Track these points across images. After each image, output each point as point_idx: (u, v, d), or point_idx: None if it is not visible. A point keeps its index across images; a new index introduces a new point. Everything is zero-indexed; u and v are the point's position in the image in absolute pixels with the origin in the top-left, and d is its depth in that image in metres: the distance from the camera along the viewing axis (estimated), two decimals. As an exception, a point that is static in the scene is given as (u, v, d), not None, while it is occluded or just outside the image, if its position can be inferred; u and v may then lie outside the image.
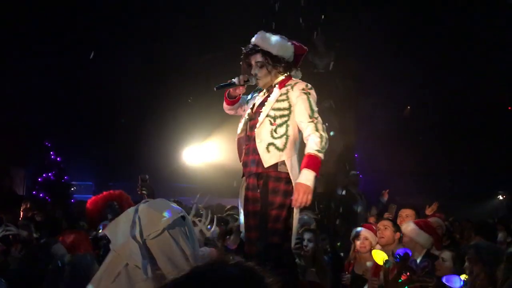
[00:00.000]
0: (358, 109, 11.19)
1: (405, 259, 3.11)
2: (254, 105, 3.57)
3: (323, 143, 3.26)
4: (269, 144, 3.34)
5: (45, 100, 10.37)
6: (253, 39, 3.50)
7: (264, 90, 3.58)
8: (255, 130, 3.41)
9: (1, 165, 9.86)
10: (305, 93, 3.40)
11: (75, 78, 10.58)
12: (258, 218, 3.36)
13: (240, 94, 3.59)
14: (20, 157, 10.61)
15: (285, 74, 3.52)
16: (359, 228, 4.47)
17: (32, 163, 11.01)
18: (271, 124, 3.37)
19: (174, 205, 1.84)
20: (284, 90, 3.44)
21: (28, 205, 6.38)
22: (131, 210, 1.76)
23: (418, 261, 3.64)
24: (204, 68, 10.39)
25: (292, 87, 3.43)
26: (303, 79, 3.59)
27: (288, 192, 3.27)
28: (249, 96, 3.71)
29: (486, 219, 7.82)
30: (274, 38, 3.46)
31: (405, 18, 10.34)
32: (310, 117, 3.33)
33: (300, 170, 3.27)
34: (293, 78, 3.54)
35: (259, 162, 3.35)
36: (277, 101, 3.42)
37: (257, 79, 3.48)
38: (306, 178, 3.18)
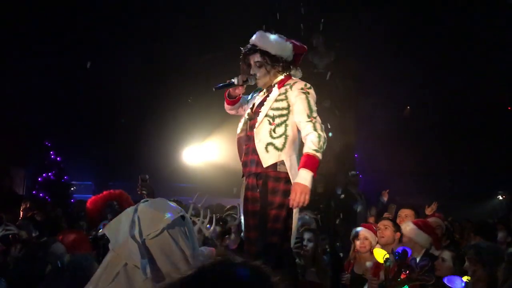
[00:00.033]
0: (358, 109, 11.19)
1: (404, 257, 3.12)
2: (254, 105, 3.58)
3: (321, 143, 3.25)
4: (268, 144, 3.33)
5: (45, 100, 10.37)
6: (251, 39, 3.50)
7: (264, 90, 3.58)
8: (254, 130, 3.40)
9: (1, 165, 9.87)
10: (303, 92, 3.39)
11: (75, 78, 10.58)
12: (258, 218, 3.36)
13: (240, 94, 3.59)
14: (20, 157, 10.61)
15: (285, 74, 3.51)
16: (359, 228, 4.47)
17: (32, 163, 11.01)
18: (270, 124, 3.36)
19: (174, 204, 1.83)
20: (283, 89, 3.44)
21: (28, 205, 6.38)
22: (130, 209, 1.75)
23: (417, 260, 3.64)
24: (204, 68, 10.39)
25: (291, 87, 3.43)
26: (303, 79, 3.58)
27: (288, 192, 3.26)
28: (250, 96, 3.71)
29: (486, 219, 7.82)
30: (273, 38, 3.45)
31: (405, 18, 10.33)
32: (309, 116, 3.32)
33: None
34: (293, 78, 3.53)
35: (258, 162, 3.35)
36: (276, 100, 3.41)
37: (256, 79, 3.48)
38: (303, 178, 3.17)
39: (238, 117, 3.72)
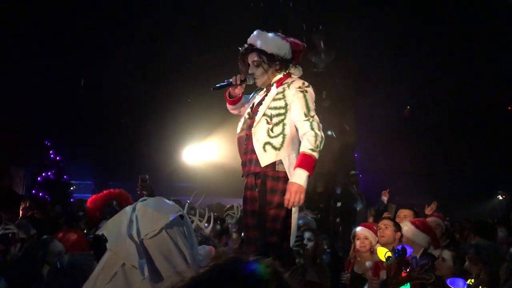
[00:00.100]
0: (358, 109, 11.20)
1: (403, 255, 3.12)
2: (253, 104, 3.57)
3: (318, 142, 3.22)
4: (266, 143, 3.32)
5: (45, 100, 10.38)
6: (249, 39, 3.50)
7: (264, 89, 3.57)
8: (252, 129, 3.40)
9: (1, 164, 9.87)
10: (301, 91, 3.37)
11: (75, 78, 10.59)
12: (257, 218, 3.35)
13: (240, 94, 3.58)
14: (20, 156, 10.62)
15: (284, 72, 3.50)
16: (359, 228, 4.45)
17: (32, 162, 11.02)
18: (268, 123, 3.35)
19: (172, 204, 1.82)
20: (280, 88, 3.42)
21: (28, 204, 6.38)
22: (128, 208, 1.74)
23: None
24: (204, 68, 10.39)
25: (288, 85, 3.40)
26: (303, 78, 3.56)
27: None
28: (251, 95, 3.71)
29: (486, 219, 7.81)
30: (269, 37, 3.44)
31: (405, 18, 10.34)
32: (306, 115, 3.29)
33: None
34: (292, 76, 3.52)
35: (257, 161, 3.33)
36: (274, 99, 3.39)
37: (254, 78, 3.47)
38: (298, 177, 3.15)
39: (238, 116, 3.72)
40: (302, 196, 3.15)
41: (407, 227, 4.29)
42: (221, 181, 10.04)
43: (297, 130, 3.36)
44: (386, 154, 11.65)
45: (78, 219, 6.04)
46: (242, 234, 4.83)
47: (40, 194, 10.15)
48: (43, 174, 10.49)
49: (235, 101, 3.62)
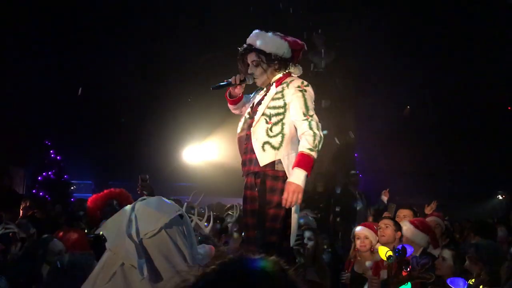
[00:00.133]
0: (358, 109, 11.20)
1: (403, 254, 3.13)
2: (253, 103, 3.57)
3: (316, 142, 3.21)
4: (265, 142, 3.31)
5: (45, 100, 10.38)
6: (248, 39, 3.50)
7: (264, 89, 3.57)
8: (251, 129, 3.40)
9: (1, 164, 9.87)
10: (300, 90, 3.36)
11: (75, 78, 10.59)
12: (256, 217, 3.35)
13: (240, 94, 3.59)
14: (20, 156, 10.62)
15: (284, 72, 3.50)
16: (359, 227, 4.46)
17: (32, 162, 11.02)
18: (267, 122, 3.34)
19: (172, 203, 1.81)
20: (280, 88, 3.41)
21: (28, 204, 6.38)
22: (127, 208, 1.73)
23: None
24: (204, 68, 10.39)
25: (287, 85, 3.40)
26: (303, 78, 3.56)
27: None
28: (252, 95, 3.71)
29: (486, 219, 7.82)
30: (268, 36, 3.44)
31: (405, 18, 10.34)
32: (305, 114, 3.28)
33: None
34: (292, 75, 3.52)
35: (256, 161, 3.34)
36: (273, 99, 3.39)
37: (254, 78, 3.48)
38: (296, 177, 3.15)
39: (238, 116, 3.72)
40: (300, 196, 3.15)
41: (406, 227, 4.30)
42: (221, 180, 10.04)
43: (296, 129, 3.36)
44: (386, 154, 11.65)
45: (78, 218, 6.04)
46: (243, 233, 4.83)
47: (41, 193, 10.14)
48: (44, 173, 10.48)
49: (235, 101, 3.63)
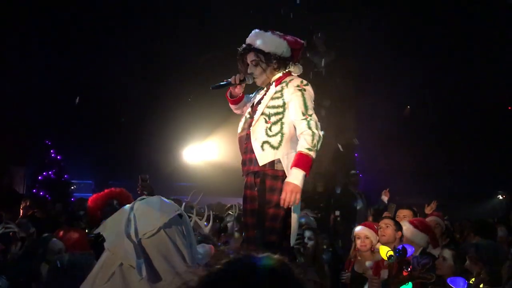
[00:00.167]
0: (358, 109, 11.20)
1: (403, 254, 3.13)
2: (254, 103, 3.57)
3: (315, 141, 3.19)
4: (264, 142, 3.30)
5: (45, 100, 10.38)
6: (247, 39, 3.50)
7: (265, 88, 3.57)
8: (251, 128, 3.40)
9: (1, 164, 9.88)
10: (299, 89, 3.34)
11: (75, 78, 10.59)
12: (256, 217, 3.35)
13: (240, 93, 3.59)
14: (20, 156, 10.62)
15: (283, 71, 3.50)
16: (360, 227, 4.45)
17: (32, 161, 11.02)
18: (266, 122, 3.33)
19: (171, 202, 1.81)
20: (279, 87, 3.40)
21: (28, 203, 6.38)
22: (126, 208, 1.72)
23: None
24: (204, 68, 10.40)
25: (287, 84, 3.38)
26: (304, 77, 3.56)
27: None
28: (253, 94, 3.71)
29: (486, 219, 7.81)
30: (266, 35, 3.43)
31: (405, 18, 10.35)
32: (303, 114, 3.27)
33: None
34: (292, 74, 3.51)
35: (256, 160, 3.33)
36: (272, 98, 3.38)
37: (253, 77, 3.47)
38: (294, 177, 3.13)
39: (238, 116, 3.72)
40: (298, 196, 3.14)
41: (405, 227, 4.29)
42: (221, 180, 10.04)
43: (296, 129, 3.36)
44: (386, 154, 11.64)
45: (78, 218, 6.04)
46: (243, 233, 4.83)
47: (41, 193, 10.14)
48: (44, 173, 10.48)
49: (236, 100, 3.63)
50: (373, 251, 4.19)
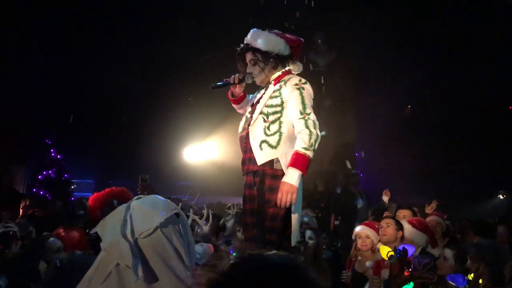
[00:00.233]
0: (358, 109, 11.21)
1: (404, 255, 3.13)
2: (253, 102, 3.57)
3: (312, 141, 3.18)
4: (262, 141, 3.30)
5: (45, 100, 10.38)
6: (245, 38, 3.50)
7: (265, 87, 3.57)
8: (249, 127, 3.39)
9: (1, 163, 9.87)
10: (297, 88, 3.33)
11: (75, 78, 10.59)
12: (256, 216, 3.34)
13: (241, 93, 3.58)
14: (21, 155, 10.62)
15: (283, 69, 3.48)
16: (360, 226, 4.46)
17: (32, 161, 11.01)
18: (264, 121, 3.33)
19: (168, 202, 1.79)
20: (277, 86, 3.39)
21: (28, 202, 6.37)
22: (122, 207, 1.71)
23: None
24: (204, 68, 10.40)
25: (285, 83, 3.38)
26: (304, 77, 3.55)
27: None
28: (255, 94, 3.71)
29: (486, 219, 7.80)
30: (263, 34, 3.43)
31: (405, 18, 10.35)
32: (301, 113, 3.25)
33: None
34: (292, 73, 3.50)
35: (255, 160, 3.33)
36: (270, 97, 3.37)
37: (252, 77, 3.47)
38: (290, 177, 3.13)
39: (238, 115, 3.72)
40: (294, 195, 3.13)
41: (404, 227, 4.29)
42: (221, 180, 10.05)
43: (294, 128, 3.34)
44: (386, 154, 11.64)
45: (78, 217, 6.03)
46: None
47: (41, 192, 10.13)
48: (44, 172, 10.46)
49: (237, 100, 3.62)
50: (374, 250, 4.19)
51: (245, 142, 3.48)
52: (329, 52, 10.37)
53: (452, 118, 12.04)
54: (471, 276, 3.39)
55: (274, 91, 3.39)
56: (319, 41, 10.43)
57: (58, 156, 10.72)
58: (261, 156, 3.29)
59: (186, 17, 10.52)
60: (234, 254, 1.25)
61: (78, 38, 10.17)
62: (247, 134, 3.45)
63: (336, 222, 7.63)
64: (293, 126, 3.31)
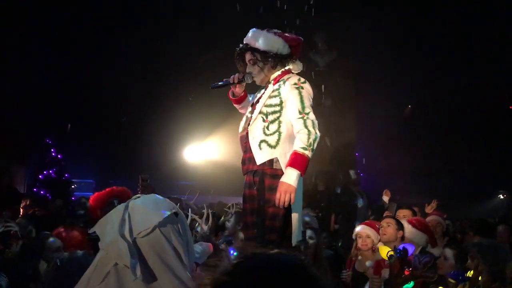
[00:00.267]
0: (358, 109, 11.21)
1: (404, 254, 3.13)
2: (253, 102, 3.57)
3: (311, 140, 3.17)
4: (261, 141, 3.30)
5: (45, 100, 10.38)
6: (245, 38, 3.50)
7: (264, 87, 3.57)
8: (249, 127, 3.39)
9: (1, 163, 9.87)
10: (296, 87, 3.32)
11: (75, 78, 10.59)
12: (256, 216, 3.34)
13: (241, 93, 3.58)
14: (21, 155, 10.62)
15: (282, 69, 3.48)
16: (361, 226, 4.45)
17: (32, 160, 11.01)
18: (264, 121, 3.33)
19: (167, 201, 1.78)
20: (276, 85, 3.39)
21: (28, 202, 6.37)
22: (120, 206, 1.70)
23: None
24: (204, 68, 10.40)
25: (284, 82, 3.37)
26: (304, 77, 3.54)
27: None
28: (254, 94, 3.71)
29: (487, 218, 7.81)
30: (262, 34, 3.43)
31: (405, 18, 10.36)
32: (300, 112, 3.24)
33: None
34: (292, 72, 3.50)
35: (254, 159, 3.33)
36: (269, 97, 3.37)
37: (252, 76, 3.47)
38: (288, 177, 3.13)
39: (238, 115, 3.72)
40: (293, 195, 3.12)
41: (404, 227, 4.29)
42: (222, 179, 10.05)
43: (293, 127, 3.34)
44: (386, 154, 11.64)
45: (79, 217, 6.03)
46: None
47: (41, 192, 10.12)
48: (44, 172, 10.46)
49: (238, 100, 3.62)
50: (374, 250, 4.19)
51: (245, 142, 3.48)
52: (329, 52, 10.37)
53: (452, 118, 12.05)
54: (471, 273, 3.39)
55: (273, 91, 3.39)
56: (319, 41, 10.43)
57: (59, 156, 10.72)
58: (261, 156, 3.29)
59: (186, 17, 10.52)
60: (234, 253, 1.24)
61: (78, 38, 10.18)
62: (247, 133, 3.45)
63: (336, 226, 7.63)
64: (292, 125, 3.31)
